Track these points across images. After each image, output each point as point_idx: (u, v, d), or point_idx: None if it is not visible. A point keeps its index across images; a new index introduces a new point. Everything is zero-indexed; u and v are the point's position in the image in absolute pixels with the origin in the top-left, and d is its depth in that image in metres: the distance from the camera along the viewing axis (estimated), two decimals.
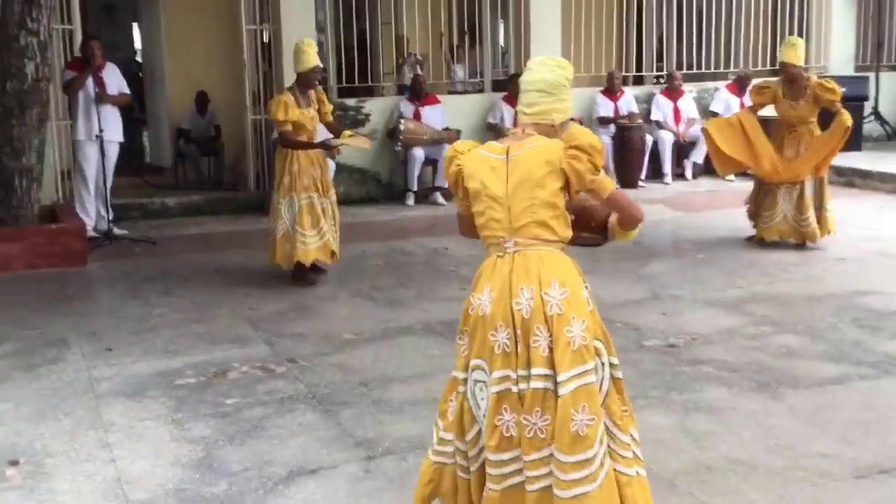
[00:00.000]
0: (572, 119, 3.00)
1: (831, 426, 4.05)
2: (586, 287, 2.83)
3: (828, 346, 5.13)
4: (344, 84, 10.58)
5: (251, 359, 5.15)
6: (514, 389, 2.76)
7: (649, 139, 10.82)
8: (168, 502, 3.54)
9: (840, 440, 3.90)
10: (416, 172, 10.04)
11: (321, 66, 6.79)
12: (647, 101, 11.32)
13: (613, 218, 3.00)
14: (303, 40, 6.70)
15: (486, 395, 2.81)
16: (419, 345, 5.35)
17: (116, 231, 8.46)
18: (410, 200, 10.05)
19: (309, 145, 6.57)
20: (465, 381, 2.89)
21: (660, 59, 12.70)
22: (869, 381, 4.59)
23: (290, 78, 9.74)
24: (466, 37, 12.28)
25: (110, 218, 8.41)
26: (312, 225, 6.50)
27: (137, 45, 13.66)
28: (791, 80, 7.30)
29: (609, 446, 2.76)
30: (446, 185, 9.91)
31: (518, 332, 2.75)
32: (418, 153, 9.93)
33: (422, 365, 4.99)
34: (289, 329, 5.72)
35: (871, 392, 4.45)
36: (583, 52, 11.40)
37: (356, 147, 7.26)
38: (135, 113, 11.94)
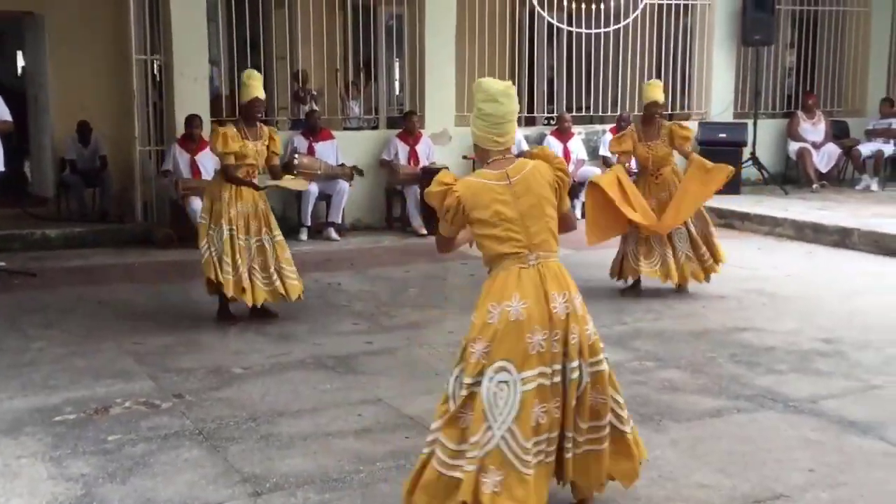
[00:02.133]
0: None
1: (711, 458, 4.18)
2: None
3: (708, 380, 5.30)
4: (237, 117, 10.46)
5: (135, 394, 5.01)
6: (548, 384, 3.16)
7: None
8: None
9: (719, 471, 4.03)
10: (310, 207, 9.99)
11: (262, 97, 6.49)
12: (538, 141, 11.55)
13: None
14: (246, 72, 6.47)
15: (509, 393, 3.12)
16: (310, 379, 5.30)
17: None
18: (304, 235, 9.98)
19: (248, 184, 6.38)
20: (476, 384, 3.16)
21: (550, 101, 13.03)
22: (746, 414, 4.76)
23: (181, 110, 9.68)
24: (362, 73, 12.35)
25: None
26: (233, 261, 6.29)
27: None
28: (648, 121, 7.33)
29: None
30: (339, 220, 10.08)
31: (556, 332, 3.19)
32: (312, 188, 9.89)
33: (312, 399, 4.94)
34: (175, 363, 5.59)
35: (748, 425, 4.61)
36: None
37: (294, 189, 7.40)
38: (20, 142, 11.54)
